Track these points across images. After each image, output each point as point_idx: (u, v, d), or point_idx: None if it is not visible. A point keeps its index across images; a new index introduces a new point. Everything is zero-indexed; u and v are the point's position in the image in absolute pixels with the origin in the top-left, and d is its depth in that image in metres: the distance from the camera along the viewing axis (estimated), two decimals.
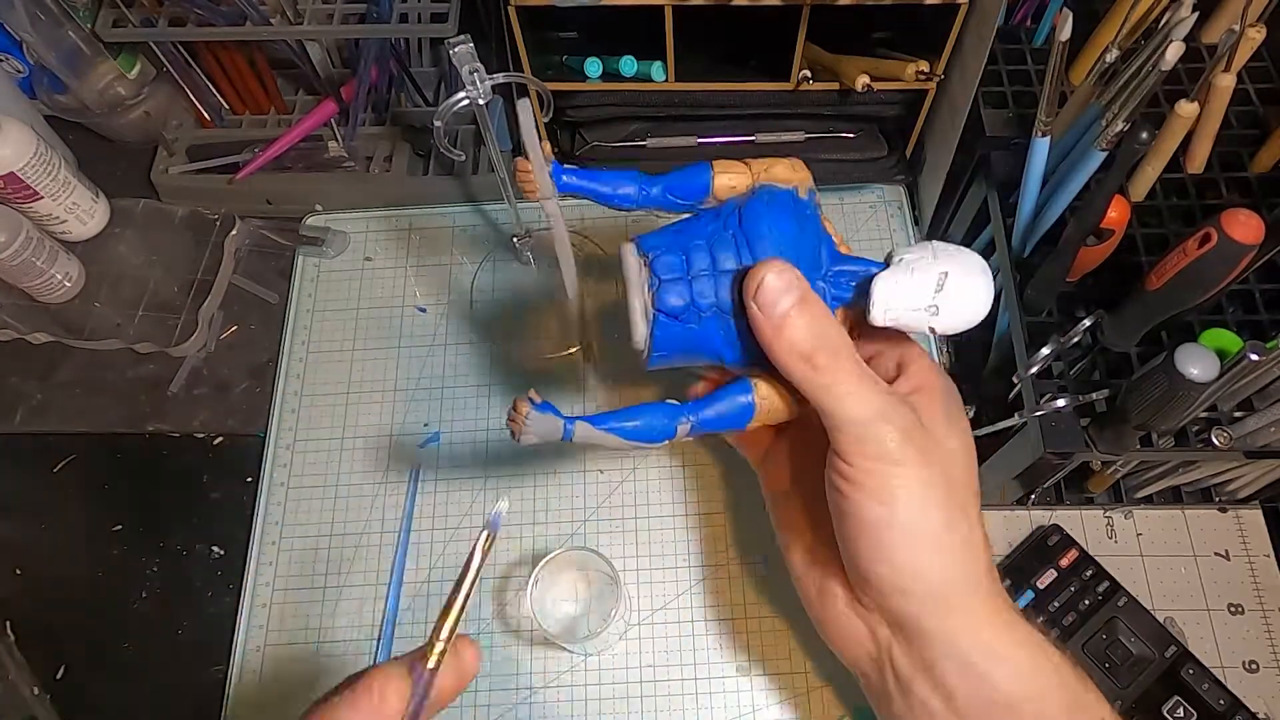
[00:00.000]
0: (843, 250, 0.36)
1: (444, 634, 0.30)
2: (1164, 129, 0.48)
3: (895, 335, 0.37)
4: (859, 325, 0.36)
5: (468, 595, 0.31)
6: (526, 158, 0.36)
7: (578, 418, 0.33)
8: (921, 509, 0.32)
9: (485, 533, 0.32)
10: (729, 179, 0.35)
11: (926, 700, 0.34)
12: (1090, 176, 0.47)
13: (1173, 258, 0.40)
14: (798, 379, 0.32)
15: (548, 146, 0.36)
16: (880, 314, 0.33)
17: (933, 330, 0.33)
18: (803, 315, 0.32)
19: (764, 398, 0.35)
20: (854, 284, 0.35)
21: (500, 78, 0.49)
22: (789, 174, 0.36)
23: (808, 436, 0.40)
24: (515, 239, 0.63)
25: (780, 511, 0.42)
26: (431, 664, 0.30)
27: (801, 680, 0.53)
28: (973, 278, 0.33)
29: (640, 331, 0.34)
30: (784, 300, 0.32)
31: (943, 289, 0.33)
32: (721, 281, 0.33)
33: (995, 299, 0.34)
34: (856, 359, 0.33)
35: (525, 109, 0.35)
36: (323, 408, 0.62)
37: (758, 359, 0.34)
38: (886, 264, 0.34)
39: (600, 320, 0.64)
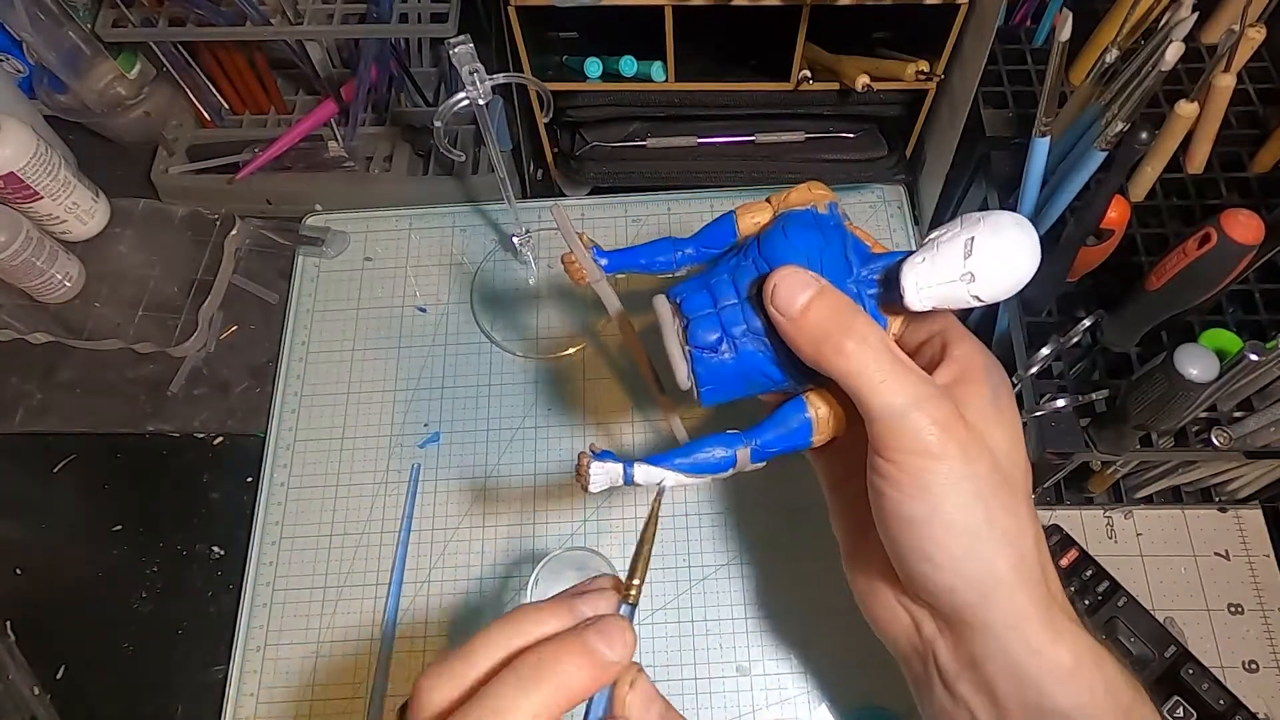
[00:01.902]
0: (877, 251, 0.36)
1: (639, 576, 0.32)
2: (1164, 129, 0.48)
3: (940, 320, 0.36)
4: (907, 319, 0.36)
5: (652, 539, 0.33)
6: (570, 252, 0.39)
7: (637, 460, 0.34)
8: (964, 505, 0.31)
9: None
10: (752, 217, 0.37)
11: (970, 699, 0.33)
12: (1090, 176, 0.47)
13: (1173, 258, 0.40)
14: (830, 370, 0.32)
15: (586, 237, 0.39)
16: (913, 296, 0.32)
17: (979, 299, 0.31)
18: (822, 305, 0.32)
19: (819, 410, 0.35)
20: (877, 278, 0.35)
21: (500, 78, 0.49)
22: (805, 195, 0.36)
23: (862, 426, 0.40)
24: (515, 239, 0.64)
25: (832, 506, 0.41)
26: (633, 600, 0.32)
27: (801, 680, 0.53)
28: (1003, 234, 0.31)
29: (682, 371, 0.34)
30: (800, 295, 0.31)
31: (971, 254, 0.31)
32: (749, 308, 0.34)
33: (1042, 251, 0.32)
34: (889, 346, 0.32)
35: (562, 216, 0.39)
36: (323, 408, 0.62)
37: (806, 374, 0.34)
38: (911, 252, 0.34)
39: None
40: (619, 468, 0.34)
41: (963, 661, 0.33)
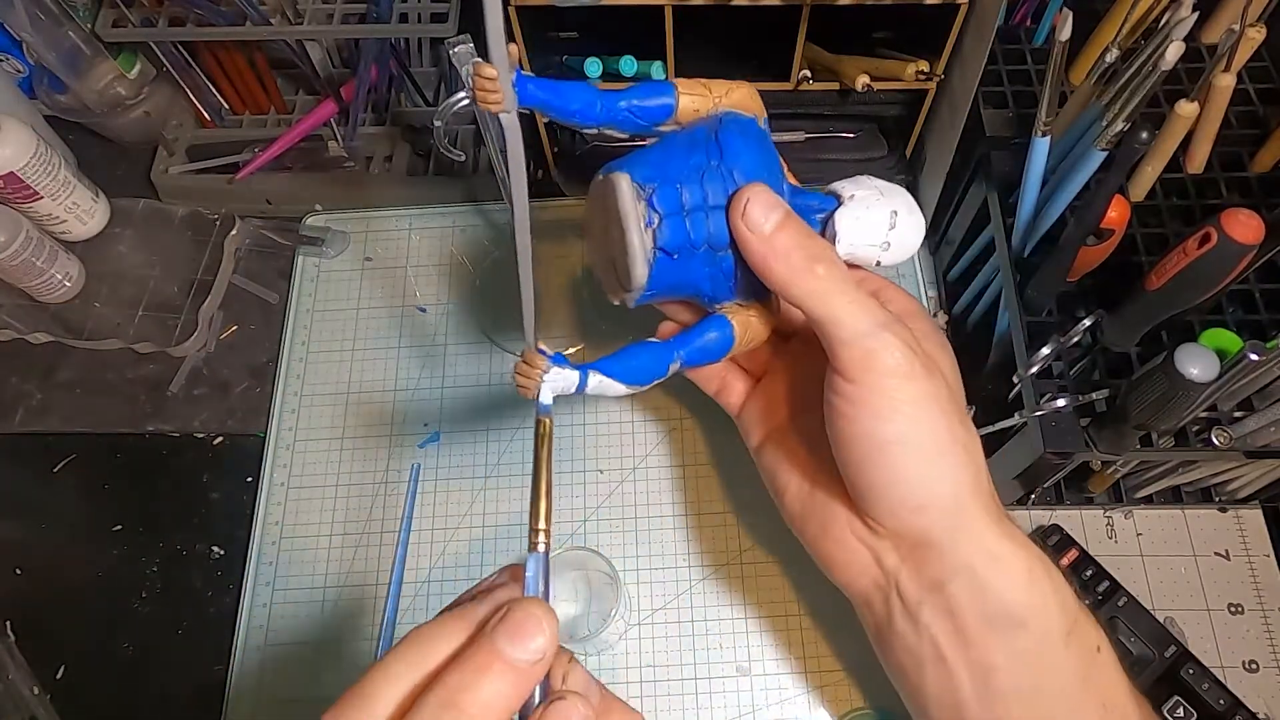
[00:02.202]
0: (791, 181, 0.36)
1: (542, 522, 0.28)
2: (1164, 129, 0.48)
3: (861, 270, 0.38)
4: None
5: (548, 476, 0.29)
6: (489, 61, 0.31)
7: (587, 366, 0.33)
8: (929, 421, 0.32)
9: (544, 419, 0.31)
10: (692, 101, 0.34)
11: (931, 624, 0.33)
12: (1090, 176, 0.47)
13: (1173, 258, 0.40)
14: (797, 291, 0.32)
15: (515, 50, 0.31)
16: (845, 249, 0.35)
17: (879, 264, 0.36)
18: (790, 229, 0.32)
19: (740, 324, 0.36)
20: (817, 217, 0.36)
21: None
22: (749, 101, 0.35)
23: (796, 370, 0.41)
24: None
25: (768, 458, 0.41)
26: (541, 547, 0.28)
27: (801, 680, 0.53)
28: (915, 215, 0.35)
29: (641, 270, 0.33)
30: (772, 215, 0.32)
31: (894, 226, 0.35)
32: (714, 216, 0.33)
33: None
34: (848, 270, 0.33)
35: (493, 3, 0.30)
36: (323, 408, 0.62)
37: (741, 291, 0.35)
38: (837, 200, 0.35)
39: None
40: (575, 375, 0.33)
41: (925, 586, 0.33)
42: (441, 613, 0.28)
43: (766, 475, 0.41)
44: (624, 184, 0.33)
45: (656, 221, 0.33)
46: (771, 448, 0.41)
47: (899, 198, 0.35)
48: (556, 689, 0.27)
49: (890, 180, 0.34)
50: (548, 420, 0.31)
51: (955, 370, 0.36)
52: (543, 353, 0.32)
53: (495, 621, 0.25)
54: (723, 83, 0.35)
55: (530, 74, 0.32)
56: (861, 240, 0.35)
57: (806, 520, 0.38)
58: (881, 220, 0.35)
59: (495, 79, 0.30)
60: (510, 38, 0.55)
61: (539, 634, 0.25)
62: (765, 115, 0.36)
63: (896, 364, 0.31)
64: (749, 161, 0.33)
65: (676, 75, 0.58)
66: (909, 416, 0.31)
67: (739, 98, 0.35)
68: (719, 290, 0.35)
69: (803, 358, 0.40)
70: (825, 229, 0.36)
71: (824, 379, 0.33)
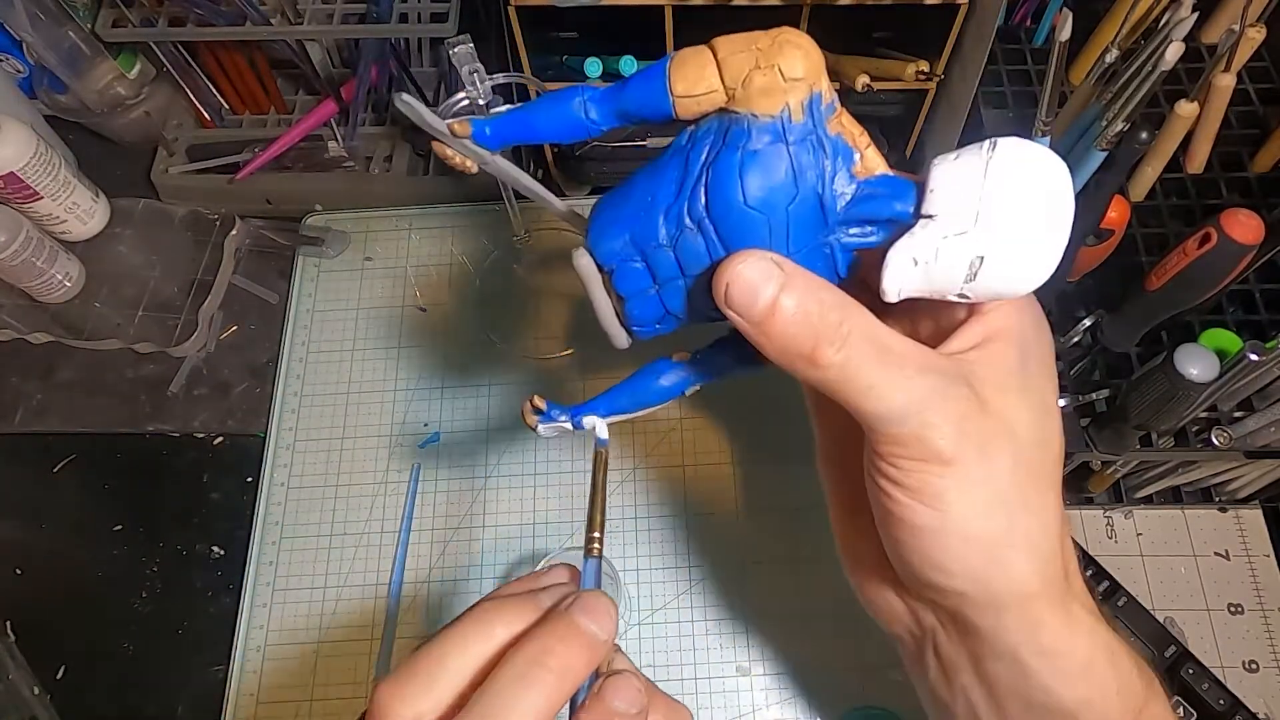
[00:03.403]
0: (867, 166, 0.26)
1: (597, 532, 0.31)
2: (1164, 129, 0.48)
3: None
4: None
5: (604, 493, 0.32)
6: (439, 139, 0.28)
7: (583, 409, 0.32)
8: (981, 513, 0.27)
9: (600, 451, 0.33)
10: (694, 98, 0.26)
11: (969, 690, 0.30)
12: (1090, 176, 0.47)
13: (1173, 258, 0.40)
14: (809, 380, 0.27)
15: (459, 126, 0.28)
16: (893, 295, 0.26)
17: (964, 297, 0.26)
18: (790, 304, 0.25)
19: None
20: (874, 240, 0.27)
21: (500, 78, 0.49)
22: (773, 85, 0.25)
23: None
24: (515, 239, 0.64)
25: (822, 472, 0.36)
26: (596, 552, 0.30)
27: (801, 680, 0.53)
28: (1021, 261, 0.24)
29: (621, 341, 0.31)
30: (763, 292, 0.25)
31: (975, 278, 0.24)
32: (696, 284, 0.27)
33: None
34: (876, 336, 0.26)
35: (408, 103, 0.27)
36: (323, 408, 0.62)
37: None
38: (913, 209, 0.25)
39: None
40: (566, 424, 0.33)
41: (964, 655, 0.30)
42: (494, 595, 0.30)
43: (825, 483, 0.37)
44: (583, 263, 0.28)
45: (622, 303, 0.28)
46: (826, 464, 0.36)
47: (1001, 229, 0.24)
48: (605, 671, 0.29)
49: None
50: (604, 451, 0.32)
51: (1045, 414, 0.28)
52: (536, 409, 0.33)
53: (570, 602, 0.28)
54: (742, 54, 0.25)
55: (490, 114, 0.28)
56: (917, 288, 0.25)
57: (845, 550, 0.35)
58: (954, 266, 0.24)
59: (452, 155, 0.28)
60: (511, 40, 0.55)
61: (608, 618, 0.28)
62: (812, 92, 0.25)
63: (936, 452, 0.26)
64: (743, 214, 0.25)
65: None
66: (954, 505, 0.27)
67: (759, 86, 0.25)
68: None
69: None
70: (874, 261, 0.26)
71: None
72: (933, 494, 0.26)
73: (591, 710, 0.27)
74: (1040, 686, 0.29)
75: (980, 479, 0.26)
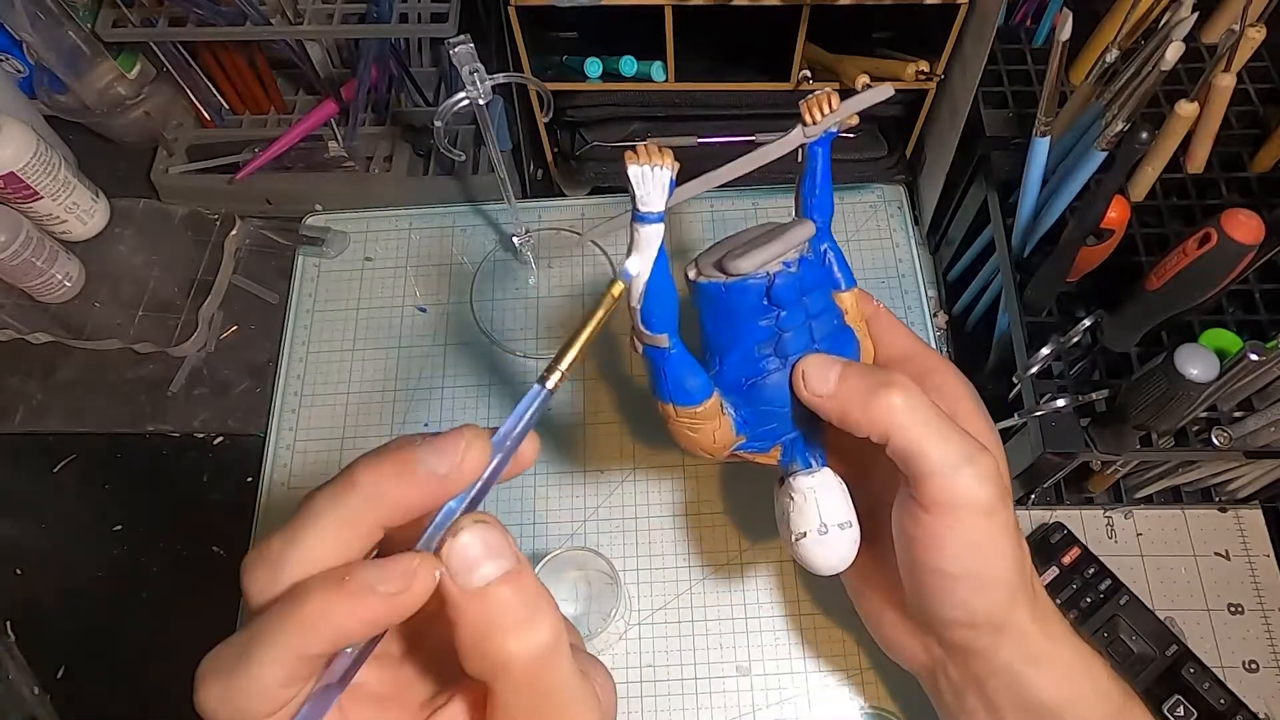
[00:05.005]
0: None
1: (565, 362, 0.26)
2: (1164, 129, 0.48)
3: (903, 341, 0.37)
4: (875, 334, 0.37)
5: (595, 330, 0.27)
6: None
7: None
8: (998, 554, 0.31)
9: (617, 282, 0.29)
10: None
11: (976, 710, 0.35)
12: (1090, 176, 0.47)
13: (1173, 258, 0.40)
14: (880, 429, 0.31)
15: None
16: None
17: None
18: (851, 372, 0.32)
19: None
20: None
21: (500, 78, 0.49)
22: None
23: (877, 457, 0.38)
24: (515, 239, 0.64)
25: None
26: (550, 384, 0.26)
27: (801, 680, 0.53)
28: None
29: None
30: (830, 371, 0.32)
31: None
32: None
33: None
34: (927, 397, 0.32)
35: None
36: (323, 408, 0.62)
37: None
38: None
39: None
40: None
41: (968, 680, 0.35)
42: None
43: None
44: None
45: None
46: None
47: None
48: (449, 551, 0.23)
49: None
50: (623, 286, 0.29)
51: (1002, 455, 0.34)
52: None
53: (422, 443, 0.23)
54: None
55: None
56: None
57: (864, 601, 0.39)
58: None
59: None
60: (511, 40, 0.55)
61: (453, 452, 0.23)
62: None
63: (981, 500, 0.30)
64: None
65: (677, 78, 0.59)
66: (981, 552, 0.31)
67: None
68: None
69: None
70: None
71: (885, 477, 0.33)
72: (964, 541, 0.31)
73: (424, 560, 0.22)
74: (1031, 693, 0.33)
75: (1002, 525, 0.31)
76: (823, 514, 0.33)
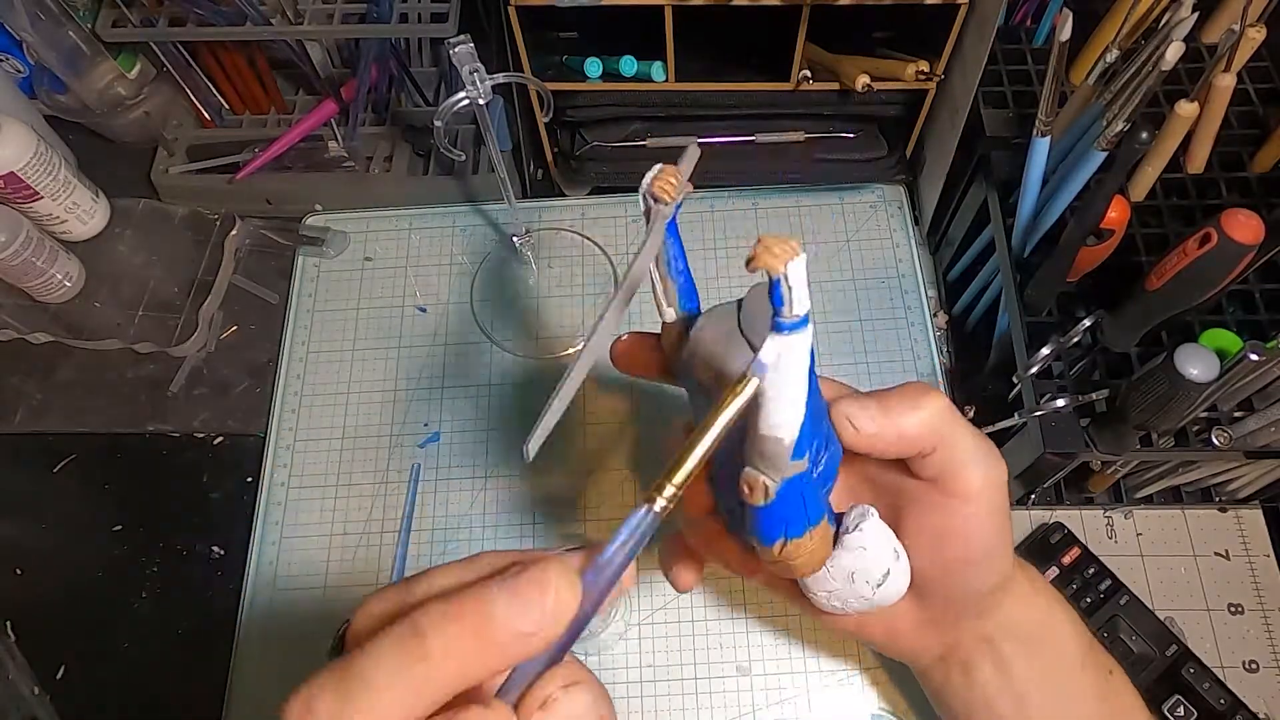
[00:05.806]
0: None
1: (680, 476, 0.22)
2: (1164, 129, 0.48)
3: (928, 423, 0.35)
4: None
5: (716, 442, 0.22)
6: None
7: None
8: (1007, 515, 0.33)
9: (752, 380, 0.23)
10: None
11: (988, 683, 0.36)
12: (1090, 176, 0.47)
13: (1173, 258, 0.40)
14: (915, 434, 0.31)
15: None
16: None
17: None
18: (879, 397, 0.32)
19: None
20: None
21: (500, 78, 0.49)
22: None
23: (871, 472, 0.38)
24: (515, 239, 0.64)
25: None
26: (659, 506, 0.22)
27: (801, 680, 0.53)
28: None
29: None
30: (861, 408, 0.31)
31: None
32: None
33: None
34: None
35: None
36: (323, 408, 0.62)
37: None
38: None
39: None
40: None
41: (982, 645, 0.36)
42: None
43: None
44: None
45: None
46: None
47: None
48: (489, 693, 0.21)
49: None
50: (758, 380, 0.23)
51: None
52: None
53: (514, 571, 0.21)
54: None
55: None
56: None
57: (871, 628, 0.38)
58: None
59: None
60: (511, 40, 0.55)
61: (539, 608, 0.20)
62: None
63: (1003, 473, 0.32)
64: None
65: (677, 78, 0.59)
66: (1004, 520, 0.33)
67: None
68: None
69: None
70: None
71: (902, 500, 0.33)
72: (991, 519, 0.32)
73: None
74: (1022, 627, 0.35)
75: (1002, 503, 0.33)
76: (893, 541, 0.32)
